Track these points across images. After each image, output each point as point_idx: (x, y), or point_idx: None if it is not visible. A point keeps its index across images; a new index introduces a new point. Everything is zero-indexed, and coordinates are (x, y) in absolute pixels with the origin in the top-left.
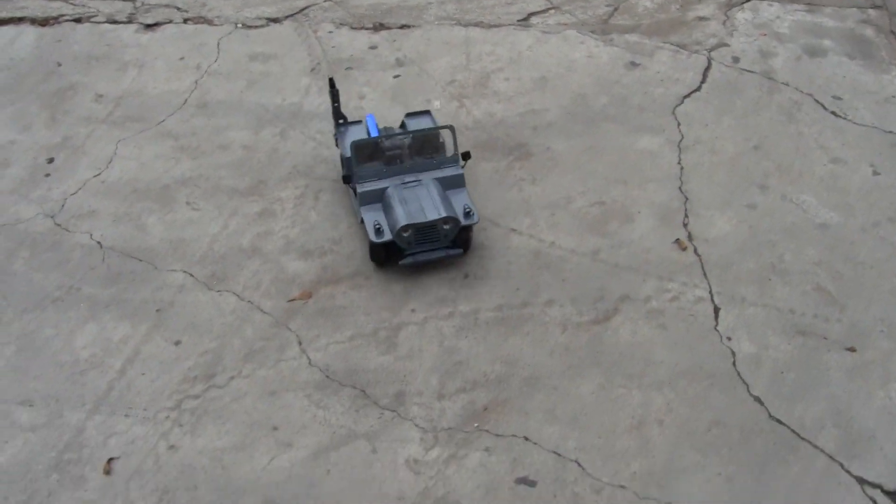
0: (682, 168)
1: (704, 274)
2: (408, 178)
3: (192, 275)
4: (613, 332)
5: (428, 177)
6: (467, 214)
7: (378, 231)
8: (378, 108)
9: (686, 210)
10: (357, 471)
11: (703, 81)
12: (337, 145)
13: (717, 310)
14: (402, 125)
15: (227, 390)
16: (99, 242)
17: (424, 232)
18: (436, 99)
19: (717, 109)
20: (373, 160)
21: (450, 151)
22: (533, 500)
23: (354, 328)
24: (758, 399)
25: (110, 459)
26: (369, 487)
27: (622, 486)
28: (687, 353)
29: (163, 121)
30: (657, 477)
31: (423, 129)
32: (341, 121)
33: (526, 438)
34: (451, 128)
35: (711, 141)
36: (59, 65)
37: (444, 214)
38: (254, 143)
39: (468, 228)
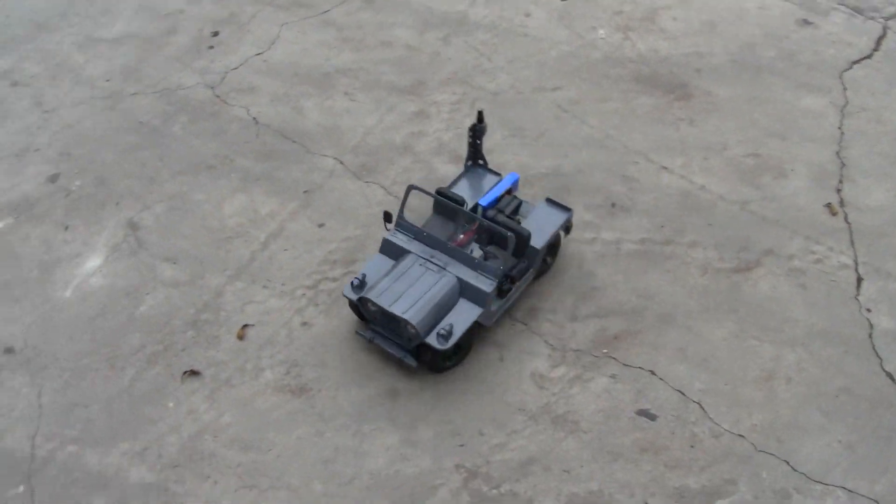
0: (842, 133)
1: (852, 242)
2: (436, 258)
3: (342, 162)
4: (753, 283)
5: (455, 271)
6: (441, 336)
7: (356, 286)
8: (542, 29)
9: (841, 175)
10: (482, 376)
11: (875, 49)
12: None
13: (860, 279)
14: (517, 208)
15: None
16: (255, 118)
17: (387, 318)
18: (601, 28)
19: (888, 80)
20: (441, 216)
21: (501, 264)
22: (651, 433)
23: None
24: (890, 375)
25: (245, 326)
26: (493, 393)
27: (741, 436)
28: (824, 316)
29: (328, 10)
30: (777, 432)
31: (510, 228)
32: (481, 162)
33: (652, 373)
34: (545, 256)
35: (878, 110)
36: None
37: (407, 318)
38: (417, 43)
39: (436, 352)
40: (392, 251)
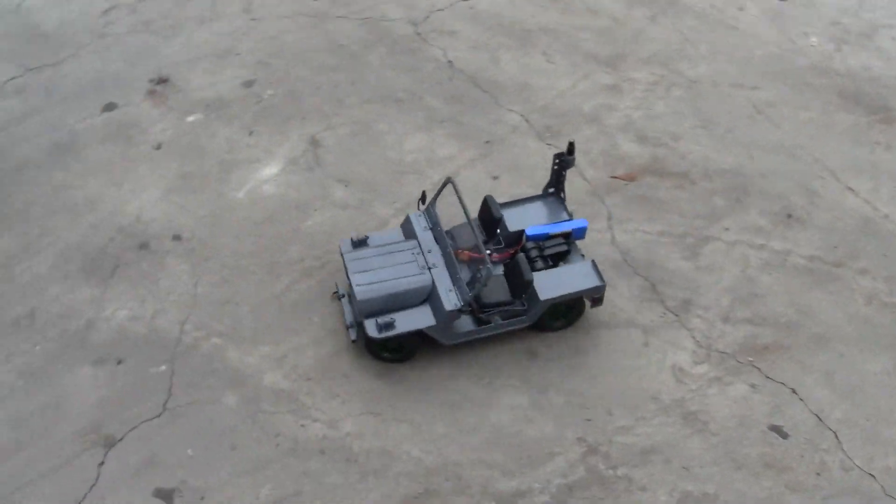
0: None
1: None
2: (430, 256)
3: (528, 120)
4: None
5: (436, 275)
6: (378, 325)
7: (353, 242)
8: (753, 26)
9: None
10: (623, 356)
11: None
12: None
13: None
14: (562, 254)
15: None
16: (451, 62)
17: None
18: (814, 35)
19: None
20: (478, 237)
21: (476, 292)
22: (779, 451)
23: (666, 225)
24: None
25: None
26: (630, 376)
27: (871, 475)
28: None
29: None
30: None
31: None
32: (562, 195)
33: (794, 391)
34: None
35: None
36: None
37: (356, 292)
38: (624, 17)
39: (369, 336)
40: (408, 230)
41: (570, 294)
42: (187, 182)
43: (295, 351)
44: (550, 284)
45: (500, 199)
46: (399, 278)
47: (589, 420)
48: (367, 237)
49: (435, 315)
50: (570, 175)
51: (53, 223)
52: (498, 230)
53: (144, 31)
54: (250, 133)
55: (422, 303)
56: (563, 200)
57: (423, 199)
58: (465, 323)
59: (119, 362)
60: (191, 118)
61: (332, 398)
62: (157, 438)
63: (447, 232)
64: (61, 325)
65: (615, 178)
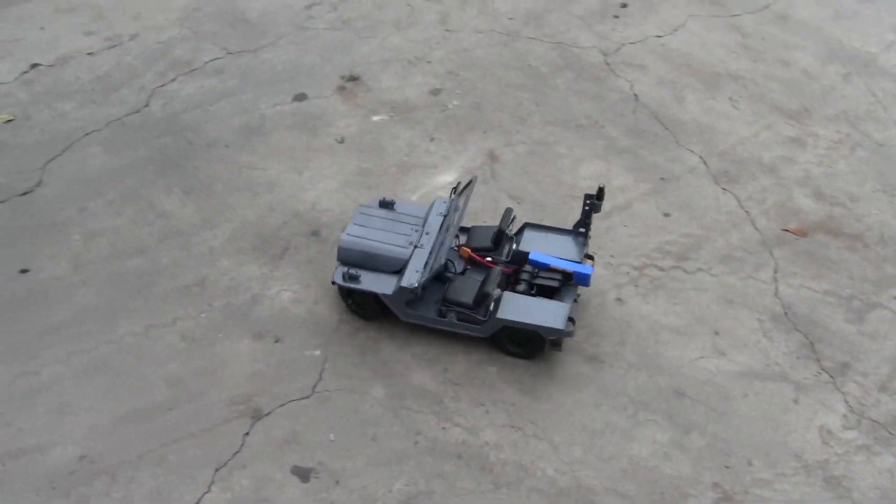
0: None
1: None
2: (427, 236)
3: (706, 163)
4: None
5: (417, 254)
6: (344, 274)
7: (379, 203)
8: None
9: None
10: (771, 410)
11: None
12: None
13: None
14: (553, 288)
15: (692, 278)
16: (636, 95)
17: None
18: None
19: None
20: (489, 242)
21: (429, 282)
22: None
23: (832, 284)
24: None
25: None
26: (775, 430)
27: None
28: None
29: (738, 15)
30: None
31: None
32: (587, 236)
33: None
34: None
35: None
36: None
37: (341, 239)
38: (816, 72)
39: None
40: (429, 209)
41: (526, 323)
42: (364, 178)
43: (446, 355)
44: (514, 308)
45: (665, 236)
46: (383, 243)
47: (728, 467)
48: (394, 203)
49: (396, 286)
50: (740, 222)
51: (234, 200)
52: (510, 245)
53: (342, 28)
54: (431, 139)
55: (394, 273)
56: (585, 242)
57: (455, 189)
58: (428, 310)
59: (277, 340)
60: (376, 118)
61: (476, 406)
62: (302, 418)
63: (467, 228)
64: (228, 298)
65: (786, 231)
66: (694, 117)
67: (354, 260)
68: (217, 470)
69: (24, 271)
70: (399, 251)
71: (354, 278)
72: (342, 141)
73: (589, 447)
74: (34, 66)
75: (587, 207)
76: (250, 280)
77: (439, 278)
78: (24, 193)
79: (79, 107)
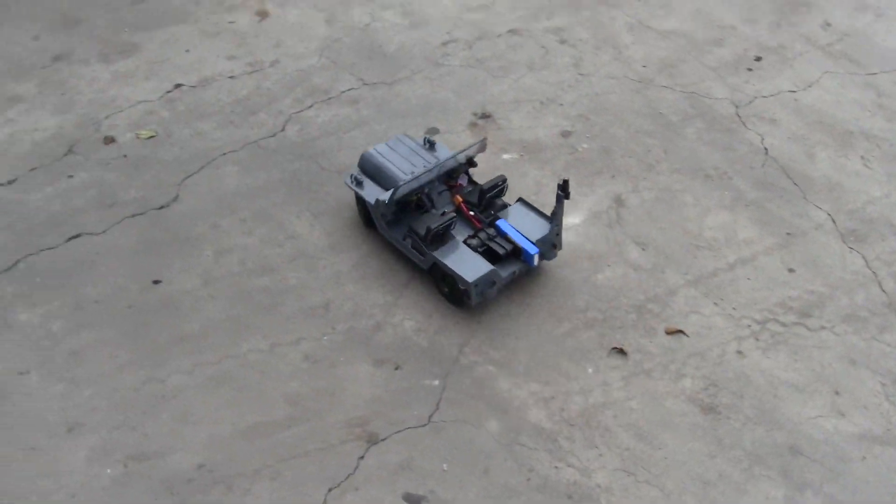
0: None
1: None
2: (425, 164)
3: (834, 220)
4: None
5: (424, 180)
6: (349, 175)
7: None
8: None
9: None
10: (890, 475)
11: None
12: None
13: None
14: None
15: (814, 336)
16: (766, 149)
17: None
18: None
19: None
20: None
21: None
22: None
23: None
24: None
25: (679, 331)
26: (893, 497)
27: None
28: None
29: (875, 73)
30: None
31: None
32: (556, 223)
33: None
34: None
35: None
36: None
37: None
38: None
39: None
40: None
41: (448, 266)
42: None
43: (564, 395)
44: (449, 252)
45: (789, 291)
46: (393, 165)
47: None
48: (435, 144)
49: (381, 196)
50: (867, 282)
51: (361, 228)
52: (493, 209)
53: (477, 67)
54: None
55: (382, 185)
56: (553, 227)
57: (481, 147)
58: (397, 230)
59: (397, 367)
60: (506, 156)
61: (590, 448)
62: (417, 446)
63: (479, 185)
64: (351, 322)
65: None
66: (824, 174)
67: (367, 170)
68: (330, 490)
69: (156, 282)
70: (399, 175)
71: (359, 184)
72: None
73: (701, 498)
74: (178, 86)
75: (558, 194)
76: (374, 306)
77: (421, 210)
78: (161, 207)
79: (217, 127)
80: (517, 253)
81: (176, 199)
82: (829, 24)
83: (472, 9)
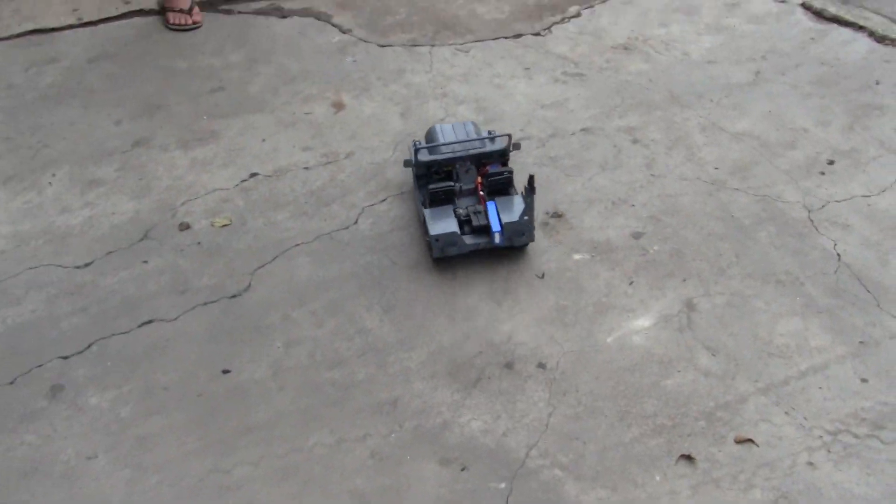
0: None
1: None
2: (471, 148)
3: None
4: None
5: (461, 149)
6: (414, 143)
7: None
8: None
9: None
10: None
11: None
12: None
13: None
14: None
15: (888, 449)
16: (839, 254)
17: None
18: None
19: None
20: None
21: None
22: None
23: None
24: None
25: (749, 440)
26: None
27: None
28: None
29: None
30: None
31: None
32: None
33: None
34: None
35: None
36: (878, 83)
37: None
38: None
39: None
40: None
41: (425, 220)
42: (561, 315)
43: (630, 502)
44: (436, 211)
45: (861, 402)
46: (443, 137)
47: None
48: (496, 136)
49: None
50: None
51: (431, 324)
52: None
53: (550, 165)
54: (630, 283)
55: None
56: (521, 218)
57: (517, 147)
58: (422, 193)
59: (463, 468)
60: (577, 256)
61: None
62: None
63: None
64: (418, 420)
65: None
66: None
67: (427, 139)
68: None
69: (226, 371)
70: (446, 137)
71: (417, 148)
72: (542, 276)
73: None
74: (253, 175)
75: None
76: (441, 405)
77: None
78: (234, 296)
79: (291, 217)
80: (485, 228)
81: (248, 288)
82: None
83: (545, 106)
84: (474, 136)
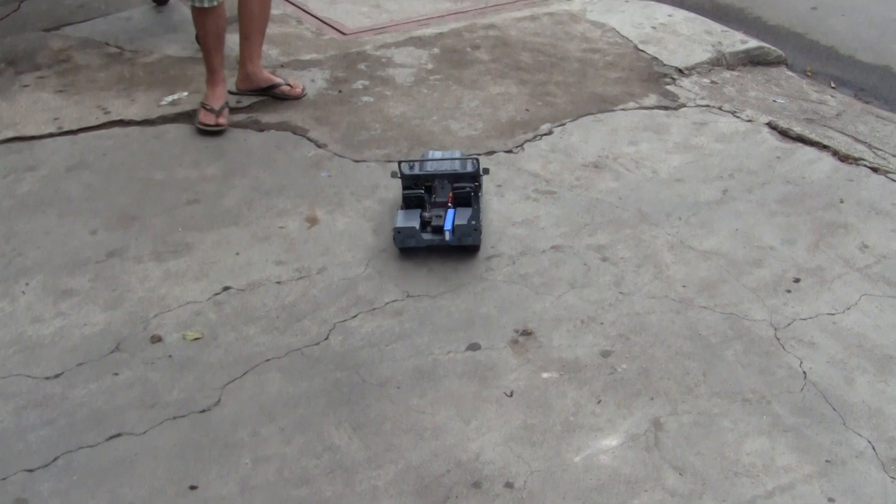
0: None
1: None
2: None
3: (874, 448)
4: None
5: (441, 182)
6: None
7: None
8: None
9: None
10: None
11: None
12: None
13: None
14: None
15: None
16: (805, 373)
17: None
18: None
19: None
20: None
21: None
22: None
23: None
24: None
25: None
26: None
27: None
28: None
29: None
30: None
31: None
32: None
33: None
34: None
35: None
36: (842, 201)
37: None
38: None
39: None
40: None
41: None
42: (529, 434)
43: None
44: (406, 212)
45: None
46: (434, 156)
47: None
48: (478, 162)
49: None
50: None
51: (400, 442)
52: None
53: (520, 282)
54: (598, 401)
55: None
56: (468, 220)
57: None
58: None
59: None
60: (545, 374)
61: None
62: None
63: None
64: None
65: None
66: (864, 400)
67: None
68: None
69: (192, 487)
70: (429, 163)
71: (400, 165)
72: (511, 394)
73: None
74: (226, 288)
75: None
76: None
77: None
78: (203, 411)
79: (262, 332)
80: (441, 227)
81: (218, 402)
82: (866, 246)
83: (516, 223)
84: (453, 156)
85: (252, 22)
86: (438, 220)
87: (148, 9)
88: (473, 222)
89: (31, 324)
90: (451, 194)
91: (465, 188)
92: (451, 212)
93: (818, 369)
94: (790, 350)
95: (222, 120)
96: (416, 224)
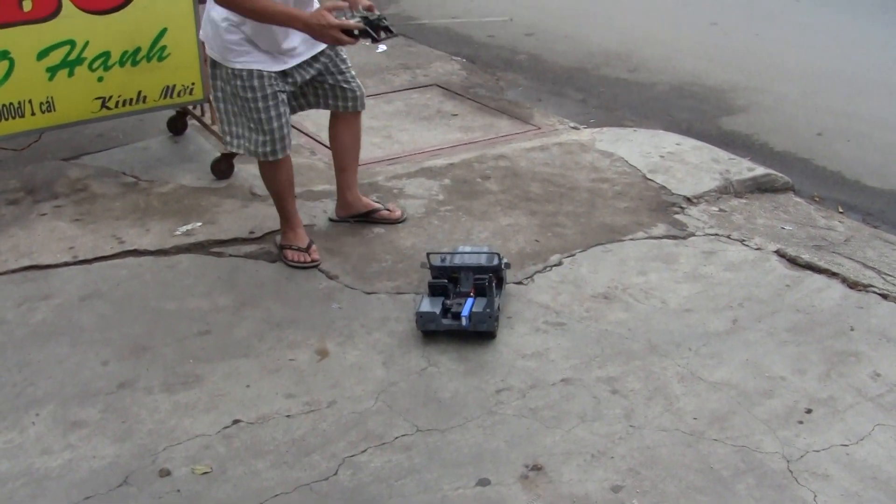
0: None
1: None
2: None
3: None
4: None
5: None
6: None
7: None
8: None
9: None
10: None
11: None
12: None
13: None
14: None
15: None
16: None
17: None
18: None
19: None
20: None
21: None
22: None
23: None
24: None
25: None
26: None
27: None
28: None
29: None
30: None
31: None
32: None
33: None
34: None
35: None
36: (852, 329)
37: None
38: None
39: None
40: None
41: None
42: None
43: None
44: (430, 298)
45: None
46: (464, 250)
47: None
48: (501, 258)
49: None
50: None
51: None
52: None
53: (530, 416)
54: None
55: None
56: (484, 308)
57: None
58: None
59: None
60: None
61: None
62: None
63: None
64: None
65: None
66: None
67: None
68: None
69: None
70: (457, 257)
71: (429, 256)
72: None
73: None
74: (236, 421)
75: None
76: None
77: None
78: None
79: (271, 467)
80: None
81: None
82: (878, 375)
83: (526, 356)
84: (481, 251)
85: (346, 154)
86: (458, 307)
87: (164, 138)
88: (488, 310)
89: (40, 455)
90: (473, 286)
91: (483, 279)
92: (470, 300)
93: (833, 503)
94: (804, 483)
95: (316, 256)
96: (438, 310)
